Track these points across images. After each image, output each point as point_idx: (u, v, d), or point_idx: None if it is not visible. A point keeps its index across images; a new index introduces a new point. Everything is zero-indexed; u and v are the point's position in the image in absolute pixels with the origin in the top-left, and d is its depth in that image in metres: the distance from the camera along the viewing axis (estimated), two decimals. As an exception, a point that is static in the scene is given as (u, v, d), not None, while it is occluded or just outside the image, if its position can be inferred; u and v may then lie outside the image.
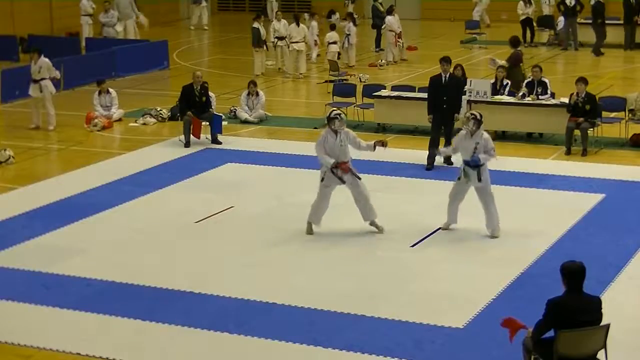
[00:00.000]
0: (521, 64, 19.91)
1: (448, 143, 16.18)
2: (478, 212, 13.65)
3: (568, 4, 28.35)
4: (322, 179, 12.86)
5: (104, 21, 29.20)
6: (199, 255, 12.35)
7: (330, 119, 12.83)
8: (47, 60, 19.67)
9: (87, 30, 29.60)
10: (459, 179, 12.94)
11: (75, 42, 28.12)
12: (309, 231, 12.99)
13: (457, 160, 16.16)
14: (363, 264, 11.92)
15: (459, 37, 30.95)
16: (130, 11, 29.88)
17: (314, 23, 26.94)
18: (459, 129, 17.19)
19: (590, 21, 28.51)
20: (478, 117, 12.74)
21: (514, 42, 20.36)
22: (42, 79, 19.49)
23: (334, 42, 25.81)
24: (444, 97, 15.99)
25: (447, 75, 16.12)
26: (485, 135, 12.85)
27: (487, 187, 12.85)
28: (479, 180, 12.74)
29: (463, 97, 17.76)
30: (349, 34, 26.29)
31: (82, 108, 20.54)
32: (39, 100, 19.57)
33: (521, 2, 29.68)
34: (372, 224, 13.06)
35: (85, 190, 15.16)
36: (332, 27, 26.29)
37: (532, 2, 29.79)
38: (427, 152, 16.09)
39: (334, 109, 13.48)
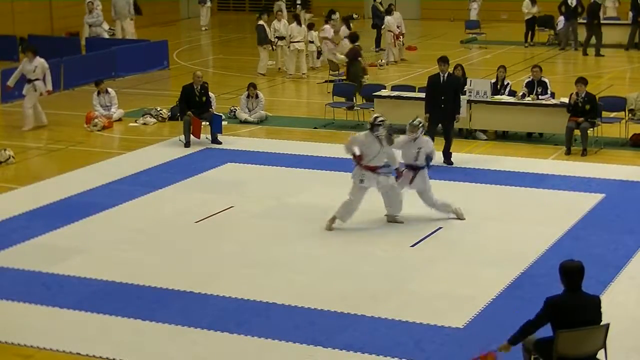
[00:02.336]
0: (360, 58, 21.45)
1: (448, 143, 16.19)
2: (478, 212, 13.68)
3: (570, 4, 28.36)
4: (361, 181, 12.94)
5: (90, 22, 29.05)
6: (199, 255, 12.35)
7: (374, 126, 12.86)
8: (43, 60, 19.62)
9: (88, 30, 29.54)
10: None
11: (75, 42, 28.09)
12: (330, 227, 13.04)
13: (457, 161, 16.23)
14: (363, 264, 11.92)
15: (459, 37, 30.96)
16: (127, 11, 29.86)
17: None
18: (459, 130, 17.28)
19: (585, 21, 28.51)
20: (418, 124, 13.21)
21: (353, 38, 22.04)
22: (37, 79, 19.49)
23: (312, 41, 25.87)
24: (442, 97, 16.02)
25: (446, 75, 16.14)
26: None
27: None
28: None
29: (463, 97, 17.77)
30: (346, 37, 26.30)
31: (82, 108, 20.54)
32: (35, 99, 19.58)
33: (527, 1, 29.63)
34: (391, 219, 13.28)
35: (85, 190, 15.16)
36: (310, 27, 26.24)
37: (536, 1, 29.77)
38: None
39: (378, 114, 13.33)
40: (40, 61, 19.60)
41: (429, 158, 13.29)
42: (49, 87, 19.68)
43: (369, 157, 12.89)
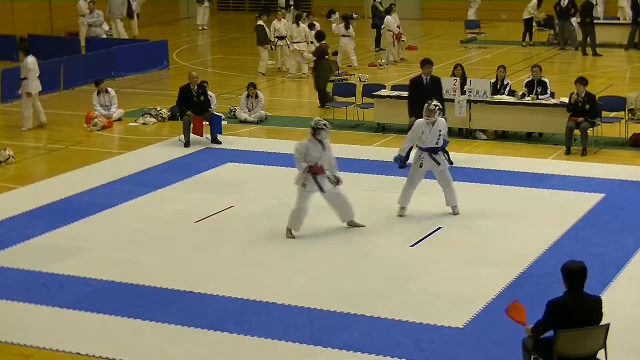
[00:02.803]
0: (327, 57, 21.91)
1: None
2: (478, 212, 13.68)
3: (562, 5, 28.39)
4: (304, 185, 12.78)
5: (91, 22, 29.12)
6: (199, 255, 12.35)
7: (317, 130, 12.76)
8: (30, 61, 19.49)
9: (85, 31, 29.57)
10: (421, 166, 13.50)
11: (75, 42, 28.09)
12: (290, 236, 12.89)
13: (457, 161, 16.22)
14: (363, 264, 11.92)
15: (459, 37, 30.96)
16: (121, 12, 29.85)
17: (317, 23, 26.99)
18: (459, 130, 17.21)
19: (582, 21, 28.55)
20: (441, 106, 13.72)
21: (319, 36, 22.42)
22: (24, 78, 19.48)
23: (312, 42, 25.89)
24: (426, 99, 16.01)
25: (429, 78, 16.15)
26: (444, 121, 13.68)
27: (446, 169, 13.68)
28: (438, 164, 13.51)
29: (462, 97, 17.79)
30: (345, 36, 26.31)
31: (82, 108, 20.55)
32: (32, 99, 19.58)
33: (535, 3, 29.62)
34: (352, 223, 13.14)
35: (85, 190, 15.16)
36: (311, 27, 26.27)
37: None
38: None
39: (319, 118, 13.39)
40: (26, 61, 19.56)
41: (445, 140, 13.78)
42: (27, 89, 19.49)
43: (312, 161, 12.76)
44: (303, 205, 12.82)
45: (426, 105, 13.48)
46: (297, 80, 24.92)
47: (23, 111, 19.53)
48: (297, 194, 12.86)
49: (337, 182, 12.91)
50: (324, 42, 22.18)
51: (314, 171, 12.73)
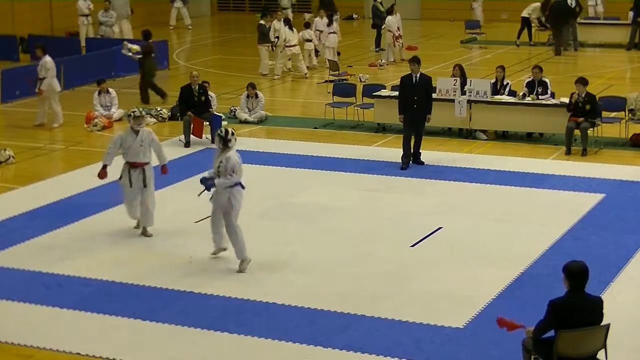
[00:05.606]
0: (152, 55, 22.38)
1: (418, 142, 16.20)
2: (478, 212, 13.68)
3: (569, 4, 28.34)
4: (120, 177, 13.04)
5: (103, 20, 29.18)
6: (199, 255, 12.34)
7: (128, 117, 12.99)
8: (45, 60, 19.60)
9: (85, 30, 29.54)
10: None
11: (75, 42, 28.08)
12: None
13: (457, 161, 16.21)
14: (363, 264, 11.92)
15: (459, 37, 30.96)
16: (126, 11, 29.86)
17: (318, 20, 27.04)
18: (459, 130, 17.21)
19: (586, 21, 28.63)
20: (223, 134, 12.12)
21: (146, 35, 22.63)
22: (43, 78, 19.51)
23: (309, 40, 25.90)
24: (414, 97, 16.08)
25: (418, 75, 16.19)
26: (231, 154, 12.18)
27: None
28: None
29: (462, 97, 17.80)
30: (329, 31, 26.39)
31: (82, 108, 20.54)
32: (44, 98, 19.61)
33: (539, 6, 29.64)
34: (144, 231, 13.09)
35: (85, 190, 15.16)
36: (307, 25, 26.27)
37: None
38: (402, 152, 16.11)
39: (135, 108, 13.38)
40: (44, 60, 19.62)
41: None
42: (54, 87, 19.73)
43: (134, 153, 12.91)
44: (126, 195, 13.06)
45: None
46: (297, 80, 24.91)
47: (53, 108, 19.53)
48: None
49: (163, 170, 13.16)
50: (150, 40, 22.41)
51: (132, 165, 12.94)
